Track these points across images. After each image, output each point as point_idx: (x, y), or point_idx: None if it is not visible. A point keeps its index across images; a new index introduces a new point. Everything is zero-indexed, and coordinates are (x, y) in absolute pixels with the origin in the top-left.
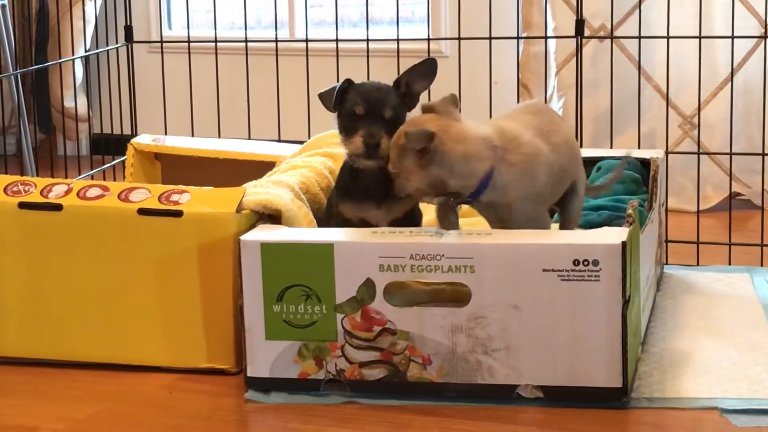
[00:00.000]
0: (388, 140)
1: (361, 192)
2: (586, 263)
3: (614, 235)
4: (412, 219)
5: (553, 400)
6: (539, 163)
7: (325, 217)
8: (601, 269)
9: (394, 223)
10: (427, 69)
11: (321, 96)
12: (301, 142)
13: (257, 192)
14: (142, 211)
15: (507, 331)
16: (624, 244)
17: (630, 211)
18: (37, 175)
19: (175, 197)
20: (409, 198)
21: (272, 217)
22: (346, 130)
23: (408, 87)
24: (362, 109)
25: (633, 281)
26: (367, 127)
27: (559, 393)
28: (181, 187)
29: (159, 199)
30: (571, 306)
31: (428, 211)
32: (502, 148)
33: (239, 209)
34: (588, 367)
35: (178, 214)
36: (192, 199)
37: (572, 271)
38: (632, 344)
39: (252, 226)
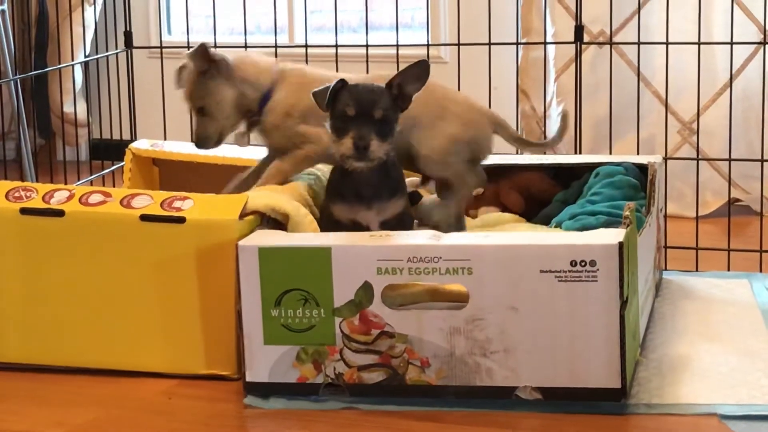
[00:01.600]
0: (379, 142)
1: (352, 193)
2: (583, 264)
3: (611, 236)
4: (402, 221)
5: (552, 401)
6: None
7: (320, 221)
8: (598, 270)
9: (385, 225)
10: (419, 71)
11: (315, 95)
12: None
13: (266, 195)
14: (145, 218)
15: (505, 332)
16: (621, 244)
17: (627, 213)
18: (37, 181)
19: (177, 204)
20: (400, 199)
21: (276, 221)
22: (337, 130)
23: (400, 89)
24: (353, 110)
25: (631, 282)
26: (357, 128)
27: (557, 394)
28: (184, 193)
29: (161, 205)
30: (569, 307)
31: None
32: (286, 71)
33: (243, 214)
34: (586, 367)
35: (181, 220)
36: (194, 205)
37: (570, 271)
38: (631, 345)
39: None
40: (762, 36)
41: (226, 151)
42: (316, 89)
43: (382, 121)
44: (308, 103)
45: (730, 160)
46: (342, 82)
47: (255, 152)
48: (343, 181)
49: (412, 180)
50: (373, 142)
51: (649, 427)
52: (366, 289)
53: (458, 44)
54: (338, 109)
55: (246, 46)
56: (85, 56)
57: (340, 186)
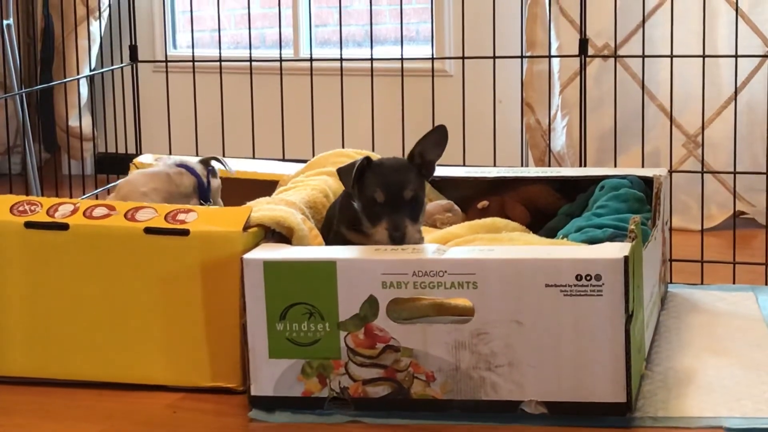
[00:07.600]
0: (412, 225)
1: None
2: (588, 278)
3: (616, 250)
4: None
5: (557, 415)
6: None
7: (324, 232)
8: (603, 284)
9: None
10: (438, 137)
11: (339, 172)
12: (305, 161)
13: (271, 208)
14: (149, 230)
15: (510, 346)
16: (626, 258)
17: (632, 227)
18: (42, 195)
19: (181, 216)
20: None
21: (281, 234)
22: (368, 216)
23: (422, 157)
24: (383, 195)
25: (636, 296)
26: (389, 216)
27: (562, 408)
28: (187, 206)
29: (165, 218)
30: (574, 321)
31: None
32: None
33: (247, 227)
34: (592, 382)
35: (185, 233)
36: (198, 218)
37: (575, 286)
38: (636, 359)
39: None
40: (767, 49)
41: (233, 165)
42: (340, 167)
43: (413, 201)
44: None
45: (735, 173)
46: (367, 160)
47: (265, 165)
48: (357, 214)
49: None
50: (408, 229)
51: None
52: (371, 303)
53: (463, 57)
54: (366, 194)
55: (251, 60)
56: (91, 70)
57: (354, 218)
